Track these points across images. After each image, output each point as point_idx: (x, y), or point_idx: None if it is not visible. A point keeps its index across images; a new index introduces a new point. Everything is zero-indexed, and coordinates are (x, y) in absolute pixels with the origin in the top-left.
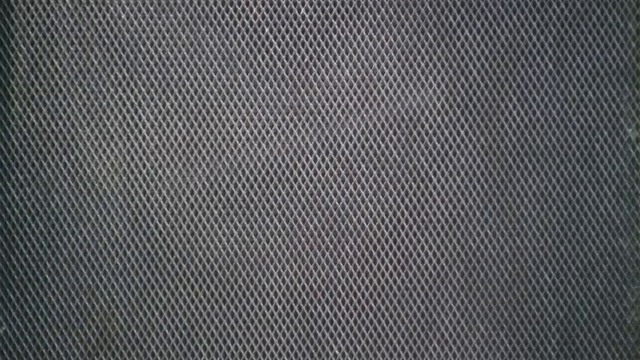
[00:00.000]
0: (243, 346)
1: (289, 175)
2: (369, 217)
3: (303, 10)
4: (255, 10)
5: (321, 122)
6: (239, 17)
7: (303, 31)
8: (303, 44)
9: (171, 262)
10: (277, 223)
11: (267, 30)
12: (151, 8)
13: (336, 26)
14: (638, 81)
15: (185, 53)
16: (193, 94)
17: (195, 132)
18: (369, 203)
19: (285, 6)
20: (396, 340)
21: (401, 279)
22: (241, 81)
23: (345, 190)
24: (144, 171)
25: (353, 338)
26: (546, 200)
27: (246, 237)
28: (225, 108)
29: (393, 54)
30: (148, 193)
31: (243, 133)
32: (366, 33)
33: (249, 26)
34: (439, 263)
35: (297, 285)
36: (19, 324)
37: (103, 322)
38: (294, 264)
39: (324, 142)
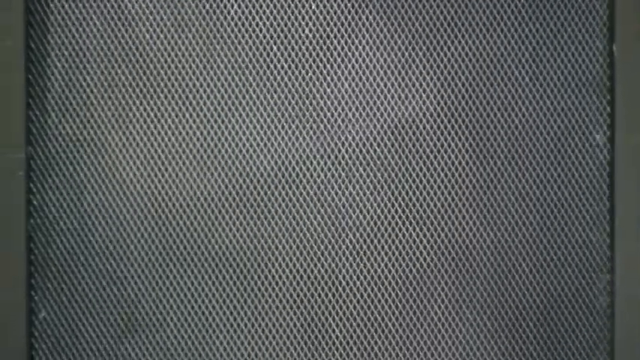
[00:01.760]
0: (252, 325)
1: (295, 177)
2: (366, 213)
3: (307, 30)
4: (264, 30)
5: (323, 129)
6: (250, 37)
7: (307, 48)
8: (307, 60)
9: (190, 254)
10: (285, 219)
11: (274, 48)
12: (172, 29)
13: (337, 44)
14: (606, 93)
15: (202, 69)
16: (210, 105)
17: (212, 138)
18: (366, 201)
19: (290, 26)
20: (390, 324)
21: (395, 269)
22: (252, 93)
23: (345, 189)
24: (165, 174)
25: (353, 322)
26: (524, 198)
27: (257, 232)
28: (238, 117)
29: (387, 69)
30: (170, 194)
31: (254, 139)
32: (363, 50)
33: (259, 44)
34: (429, 255)
35: (303, 275)
36: (56, 310)
37: (131, 309)
38: (299, 256)
39: (326, 146)
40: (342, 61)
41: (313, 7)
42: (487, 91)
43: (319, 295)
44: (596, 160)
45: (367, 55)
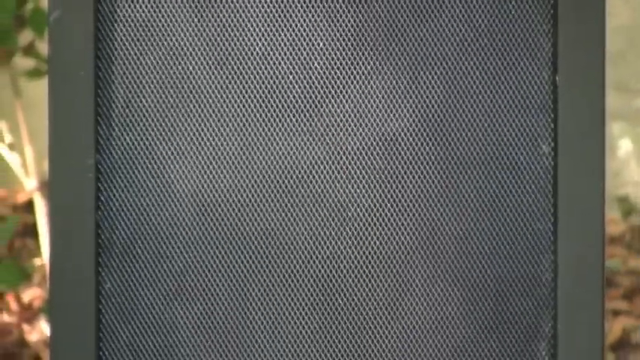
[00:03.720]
0: (277, 292)
1: (306, 178)
2: (362, 206)
3: (316, 63)
4: (282, 63)
5: (329, 142)
6: (271, 68)
7: (316, 78)
8: (316, 87)
9: (224, 238)
10: (298, 210)
11: (291, 77)
12: (210, 63)
13: (339, 75)
14: (550, 112)
15: (235, 95)
16: (240, 122)
17: (242, 148)
18: (362, 197)
19: (303, 61)
20: (381, 293)
21: (384, 251)
22: (273, 113)
23: (346, 187)
24: (205, 175)
25: (355, 291)
26: (485, 195)
27: (276, 222)
28: (263, 132)
29: (379, 95)
30: (210, 195)
31: (275, 148)
32: (360, 81)
33: (278, 74)
34: (411, 240)
35: (313, 256)
36: (118, 282)
37: (179, 279)
38: (310, 240)
39: (331, 155)
40: (344, 88)
41: (321, 45)
42: (456, 110)
43: (329, 270)
44: (542, 166)
45: (362, 85)
